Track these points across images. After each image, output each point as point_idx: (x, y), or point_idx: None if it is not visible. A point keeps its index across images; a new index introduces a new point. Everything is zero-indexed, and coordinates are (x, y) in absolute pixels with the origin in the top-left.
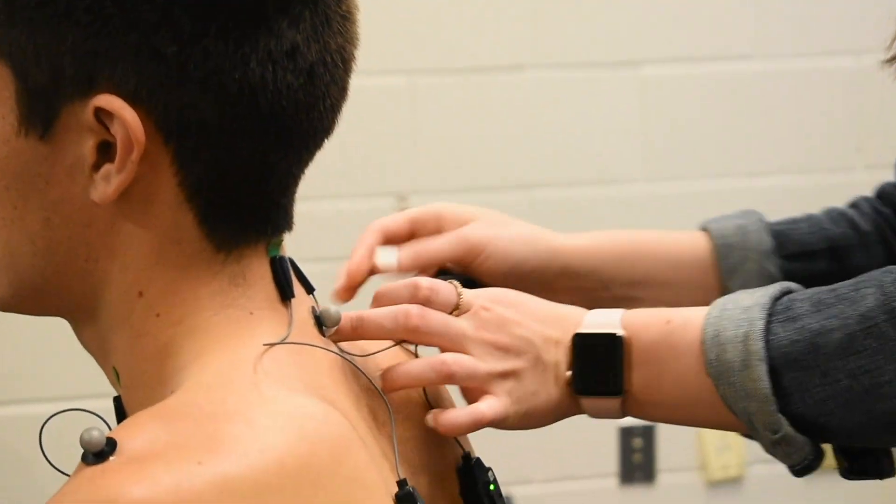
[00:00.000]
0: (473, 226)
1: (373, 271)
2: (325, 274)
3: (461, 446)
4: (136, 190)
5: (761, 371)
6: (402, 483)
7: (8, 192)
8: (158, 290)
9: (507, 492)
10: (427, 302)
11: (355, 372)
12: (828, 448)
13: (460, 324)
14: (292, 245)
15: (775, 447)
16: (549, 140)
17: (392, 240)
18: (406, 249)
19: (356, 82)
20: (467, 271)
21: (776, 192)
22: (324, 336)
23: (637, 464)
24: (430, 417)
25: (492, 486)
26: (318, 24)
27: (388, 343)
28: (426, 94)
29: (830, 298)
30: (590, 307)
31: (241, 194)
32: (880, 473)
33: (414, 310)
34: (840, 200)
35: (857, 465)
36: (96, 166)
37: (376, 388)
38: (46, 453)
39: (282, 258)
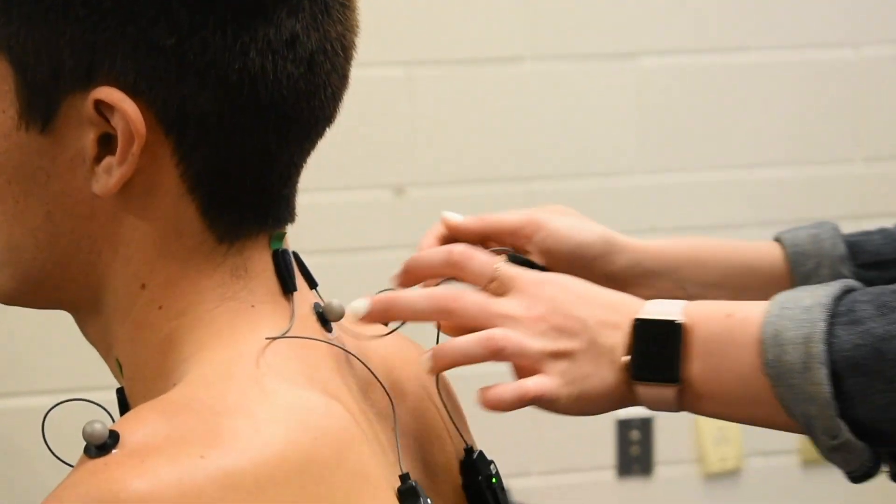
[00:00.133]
0: (545, 207)
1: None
2: (322, 266)
3: (464, 439)
4: (137, 182)
5: (822, 375)
6: (404, 477)
7: (9, 187)
8: (160, 282)
9: (505, 484)
10: (459, 267)
11: (358, 365)
12: None
13: (502, 304)
14: (289, 237)
15: (833, 453)
16: (546, 132)
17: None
18: (471, 216)
19: (353, 73)
20: (527, 249)
21: (774, 184)
22: (326, 330)
23: (634, 456)
24: (478, 394)
25: (494, 480)
26: (317, 13)
27: (388, 329)
28: (424, 85)
29: (894, 301)
30: None
31: (243, 185)
32: None
33: (449, 293)
34: (838, 192)
35: None
36: (97, 159)
37: (379, 381)
38: (50, 442)
39: (284, 251)
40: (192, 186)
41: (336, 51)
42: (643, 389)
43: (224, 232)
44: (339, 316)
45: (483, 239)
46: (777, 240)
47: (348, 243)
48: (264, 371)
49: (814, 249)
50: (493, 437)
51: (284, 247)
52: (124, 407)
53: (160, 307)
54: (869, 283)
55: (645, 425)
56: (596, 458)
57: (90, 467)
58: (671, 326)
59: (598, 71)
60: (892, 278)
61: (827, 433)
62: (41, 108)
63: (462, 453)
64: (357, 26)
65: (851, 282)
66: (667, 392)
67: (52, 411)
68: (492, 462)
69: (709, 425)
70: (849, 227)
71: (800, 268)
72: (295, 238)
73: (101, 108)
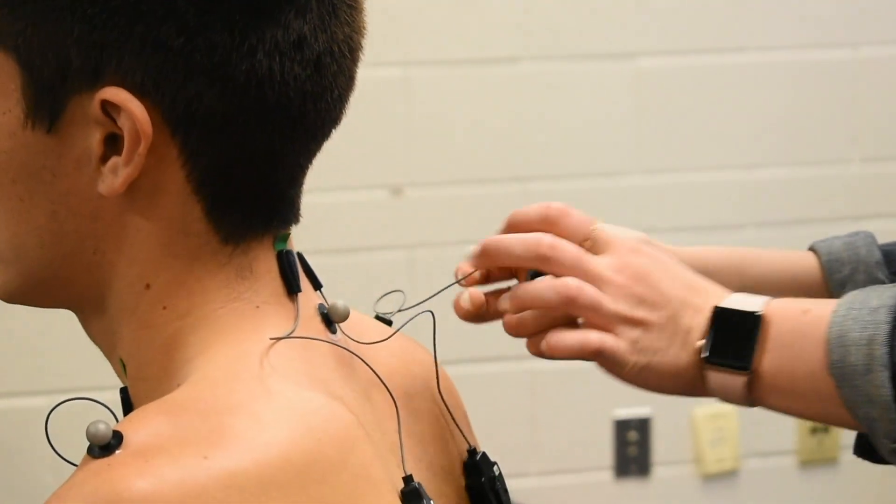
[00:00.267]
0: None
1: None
2: (319, 266)
3: (467, 440)
4: (143, 182)
5: (884, 377)
6: (407, 479)
7: (14, 186)
8: (165, 282)
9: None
10: (557, 221)
11: (362, 366)
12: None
13: (596, 261)
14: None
15: (894, 455)
16: (543, 132)
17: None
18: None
19: None
20: None
21: (771, 184)
22: (330, 331)
23: (632, 457)
24: (538, 342)
25: (497, 481)
26: (324, 14)
27: (391, 331)
28: (421, 85)
29: None
30: None
31: (249, 186)
32: None
33: (546, 238)
34: (836, 193)
35: None
36: (103, 159)
37: (382, 382)
38: (46, 444)
39: (289, 252)
40: (198, 187)
41: (343, 52)
42: (714, 375)
43: (229, 232)
44: (344, 317)
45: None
46: (811, 249)
47: (346, 243)
48: (268, 372)
49: (849, 256)
50: (491, 437)
51: (289, 248)
52: (128, 407)
53: (164, 307)
54: None
55: (642, 426)
56: (593, 459)
57: (93, 467)
58: (750, 317)
59: (595, 71)
60: None
61: (888, 436)
62: (47, 107)
63: (465, 454)
64: (364, 28)
65: None
66: (737, 381)
67: (55, 411)
68: (495, 463)
69: (706, 426)
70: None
71: (835, 275)
72: (292, 238)
73: (108, 108)
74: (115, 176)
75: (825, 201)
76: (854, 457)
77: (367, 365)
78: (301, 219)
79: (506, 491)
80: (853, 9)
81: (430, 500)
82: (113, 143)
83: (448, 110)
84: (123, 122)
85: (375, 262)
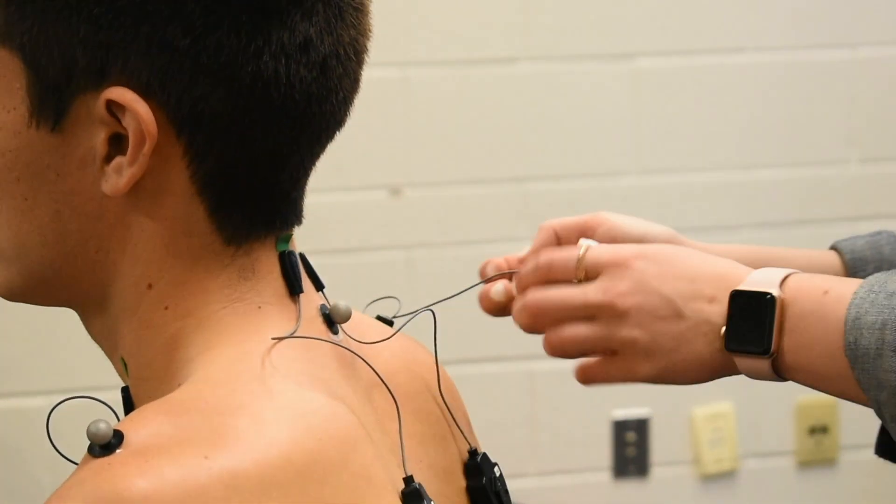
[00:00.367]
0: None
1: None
2: (318, 266)
3: (468, 441)
4: (147, 182)
5: (893, 362)
6: (408, 480)
7: (18, 184)
8: (167, 282)
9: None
10: (547, 274)
11: (363, 367)
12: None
13: (578, 294)
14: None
15: None
16: (542, 132)
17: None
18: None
19: None
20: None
21: (769, 185)
22: (332, 332)
23: (630, 457)
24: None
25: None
26: (331, 17)
27: (392, 331)
28: (420, 86)
29: None
30: None
31: (253, 187)
32: None
33: (529, 297)
34: (834, 194)
35: None
36: (108, 159)
37: (384, 383)
38: (44, 443)
39: (291, 253)
40: (202, 188)
41: (349, 55)
42: (740, 359)
43: (232, 233)
44: (346, 317)
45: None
46: (833, 248)
47: (344, 244)
48: (269, 372)
49: (873, 255)
50: (489, 437)
51: (291, 248)
52: (129, 406)
53: (166, 307)
54: None
55: (641, 426)
56: (592, 460)
57: (94, 466)
58: (765, 299)
59: (594, 72)
60: None
61: (895, 420)
62: (52, 106)
63: (466, 455)
64: (370, 30)
65: None
66: (761, 364)
67: (55, 411)
68: (495, 464)
69: (705, 426)
70: (844, 229)
71: (858, 273)
72: (294, 239)
73: (113, 108)
74: (120, 176)
75: (823, 202)
76: (853, 458)
77: (369, 365)
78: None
79: (506, 492)
80: (851, 9)
81: (430, 500)
82: (117, 143)
83: (447, 111)
84: (128, 123)
85: (374, 262)
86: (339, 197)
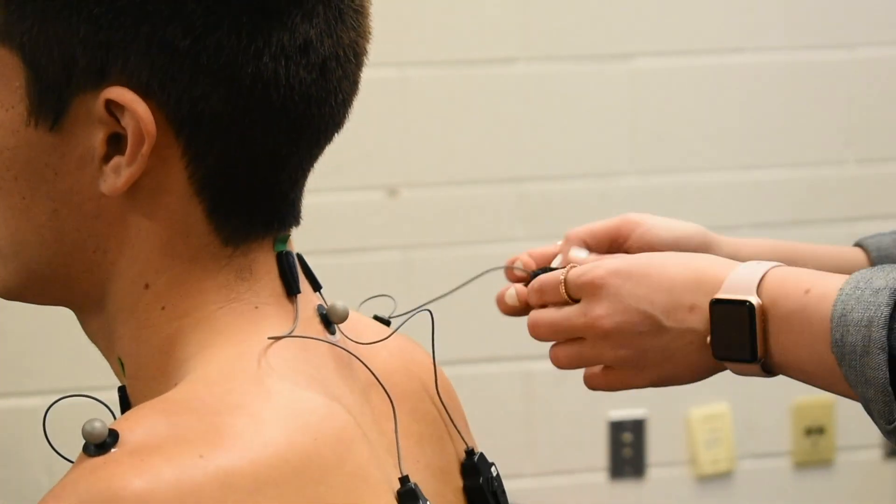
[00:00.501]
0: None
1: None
2: (315, 267)
3: (465, 441)
4: (145, 182)
5: (880, 360)
6: (404, 480)
7: (16, 183)
8: (165, 282)
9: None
10: (540, 297)
11: (360, 367)
12: (815, 446)
13: (563, 319)
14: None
15: (890, 435)
16: (540, 133)
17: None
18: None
19: None
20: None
21: (767, 185)
22: (329, 332)
23: (627, 458)
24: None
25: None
26: (331, 19)
27: (389, 332)
28: (417, 86)
29: None
30: None
31: (251, 188)
32: None
33: (529, 322)
34: (831, 194)
35: None
36: (106, 158)
37: (380, 383)
38: (42, 443)
39: (288, 253)
40: (201, 188)
41: (348, 57)
42: (730, 364)
43: (230, 234)
44: (343, 318)
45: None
46: (858, 245)
47: (342, 244)
48: (266, 371)
49: None
50: (486, 438)
51: (289, 249)
52: (126, 406)
53: (163, 307)
54: None
55: (637, 427)
56: (588, 460)
57: (89, 465)
58: (744, 308)
59: (592, 72)
60: None
61: (883, 417)
62: (51, 105)
63: (463, 455)
64: (370, 32)
65: None
66: (751, 368)
67: (50, 411)
68: (492, 464)
69: (701, 427)
70: (842, 229)
71: None
72: (292, 239)
73: (112, 107)
74: (118, 175)
75: (821, 202)
76: (849, 458)
77: (365, 365)
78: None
79: (504, 492)
80: (849, 10)
81: (426, 500)
82: (116, 143)
83: (445, 111)
84: (127, 122)
85: (371, 262)
86: (336, 197)
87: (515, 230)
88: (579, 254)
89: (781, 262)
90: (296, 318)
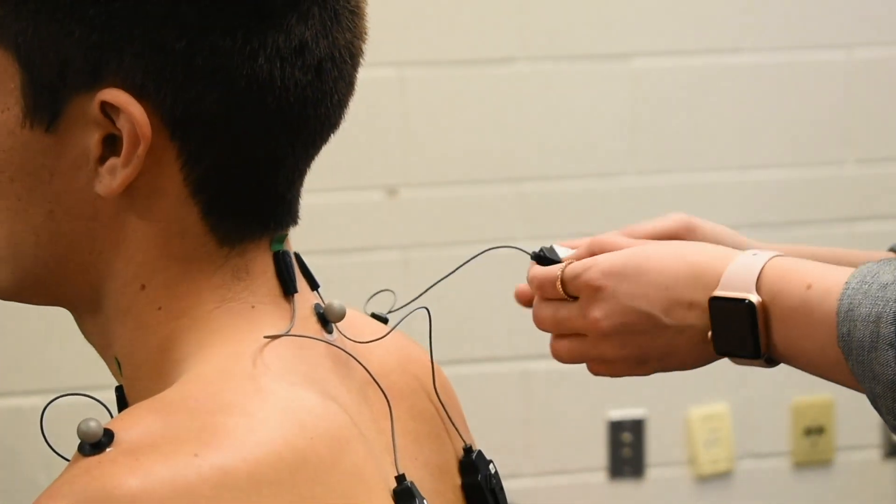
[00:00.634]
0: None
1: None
2: (314, 267)
3: (462, 439)
4: (141, 184)
5: (888, 357)
6: (400, 478)
7: (12, 184)
8: (161, 283)
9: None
10: (541, 293)
11: (357, 365)
12: (814, 446)
13: (563, 317)
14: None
15: None
16: (538, 133)
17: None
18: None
19: None
20: None
21: (766, 185)
22: (326, 331)
23: (626, 458)
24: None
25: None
26: (326, 20)
27: (387, 329)
28: (416, 86)
29: None
30: None
31: (247, 190)
32: None
33: (533, 316)
34: (830, 194)
35: None
36: (102, 160)
37: (376, 382)
38: (41, 442)
39: (285, 252)
40: (196, 189)
41: (344, 58)
42: (734, 359)
43: (225, 235)
44: (340, 317)
45: None
46: (892, 250)
47: (341, 244)
48: (261, 370)
49: None
50: (485, 438)
51: (286, 248)
52: (123, 405)
53: (160, 308)
54: None
55: (636, 427)
56: (587, 460)
57: (84, 465)
58: (743, 306)
59: (591, 72)
60: None
61: (891, 413)
62: (46, 106)
63: (461, 452)
64: (365, 33)
65: None
66: (755, 362)
67: (49, 410)
68: (490, 461)
69: (700, 427)
70: (841, 230)
71: None
72: (290, 238)
73: (107, 109)
74: (113, 177)
75: (820, 202)
76: (848, 458)
77: (361, 364)
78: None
79: (501, 489)
80: (847, 10)
81: (423, 499)
82: (111, 144)
83: (443, 111)
84: (122, 124)
85: (370, 262)
86: (335, 197)
87: (514, 230)
88: (562, 251)
89: (821, 255)
90: (292, 317)
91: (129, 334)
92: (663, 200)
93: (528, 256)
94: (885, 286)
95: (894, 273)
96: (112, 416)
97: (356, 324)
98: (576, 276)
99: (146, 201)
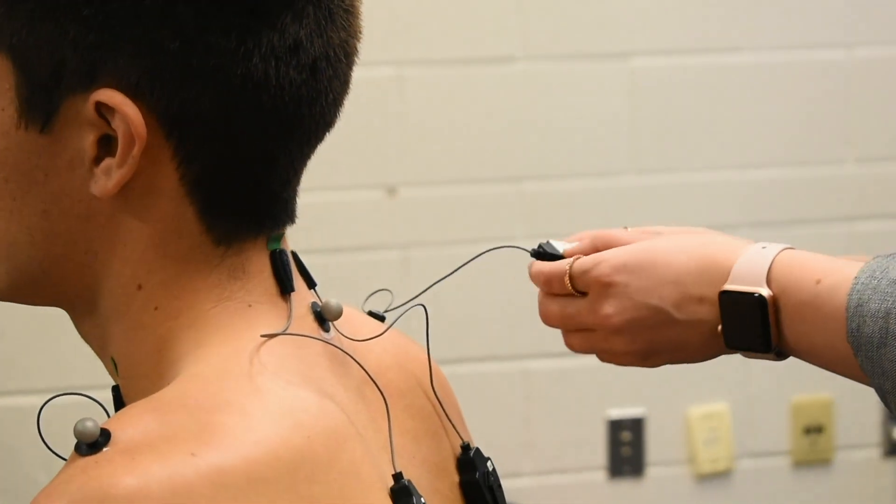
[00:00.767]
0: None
1: None
2: (313, 266)
3: (460, 436)
4: (136, 184)
5: None
6: (397, 476)
7: (7, 184)
8: (157, 283)
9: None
10: (548, 288)
11: (354, 364)
12: (813, 445)
13: (572, 312)
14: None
15: None
16: (538, 132)
17: None
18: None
19: None
20: None
21: (766, 184)
22: (324, 330)
23: (626, 457)
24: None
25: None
26: (321, 19)
27: (384, 328)
28: (415, 85)
29: None
30: None
31: (243, 189)
32: None
33: (540, 310)
34: (830, 193)
35: None
36: (97, 160)
37: (373, 381)
38: (40, 442)
39: (282, 251)
40: (192, 189)
41: (339, 57)
42: (744, 353)
43: (222, 234)
44: (337, 315)
45: None
46: None
47: (340, 243)
48: (258, 369)
49: None
50: (484, 437)
51: (283, 247)
52: (120, 405)
53: (156, 308)
54: None
55: (636, 426)
56: (587, 459)
57: (81, 464)
58: (753, 299)
59: (590, 71)
60: None
61: None
62: (41, 107)
63: (459, 450)
64: (360, 32)
65: None
66: (765, 355)
67: (47, 409)
68: (488, 459)
69: (700, 426)
70: (841, 229)
71: None
72: (286, 237)
73: (102, 109)
74: (108, 177)
75: (820, 202)
76: (848, 457)
77: (358, 363)
78: (296, 219)
79: (500, 486)
80: (848, 9)
81: (420, 497)
82: (107, 145)
83: (442, 110)
84: (117, 125)
85: (369, 261)
86: (334, 196)
87: (514, 229)
88: (559, 246)
89: None
90: (289, 316)
91: (125, 334)
92: (663, 199)
93: (529, 254)
94: (894, 282)
95: None
96: (109, 416)
97: (354, 322)
98: (585, 272)
99: (142, 201)
